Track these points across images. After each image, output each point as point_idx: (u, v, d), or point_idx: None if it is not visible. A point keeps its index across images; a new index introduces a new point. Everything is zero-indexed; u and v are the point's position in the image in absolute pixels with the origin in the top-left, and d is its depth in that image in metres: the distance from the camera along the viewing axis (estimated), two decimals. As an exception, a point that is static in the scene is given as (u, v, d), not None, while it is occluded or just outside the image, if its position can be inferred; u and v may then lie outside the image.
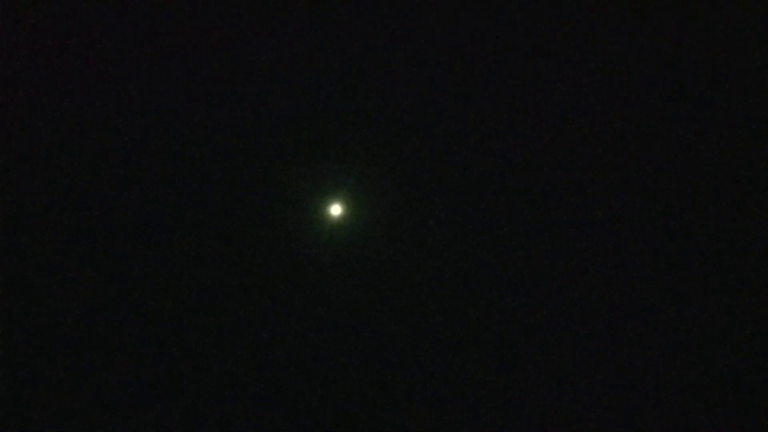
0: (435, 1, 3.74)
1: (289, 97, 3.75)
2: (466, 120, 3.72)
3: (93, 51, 3.76)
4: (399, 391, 3.58)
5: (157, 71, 3.75)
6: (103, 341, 3.59)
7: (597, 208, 3.64)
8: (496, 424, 3.53)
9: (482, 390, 3.56)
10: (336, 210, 3.70)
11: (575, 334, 3.58)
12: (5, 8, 3.72)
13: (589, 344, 3.58)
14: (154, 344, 3.60)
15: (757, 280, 3.54)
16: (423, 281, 3.63)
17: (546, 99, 3.71)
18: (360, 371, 3.60)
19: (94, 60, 3.76)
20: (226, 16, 3.75)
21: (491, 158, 3.70)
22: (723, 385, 3.51)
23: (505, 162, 3.70)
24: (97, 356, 3.57)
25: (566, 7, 3.72)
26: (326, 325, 3.63)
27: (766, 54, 3.65)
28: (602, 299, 3.60)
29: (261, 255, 3.65)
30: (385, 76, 3.75)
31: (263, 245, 3.66)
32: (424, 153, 3.72)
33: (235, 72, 3.75)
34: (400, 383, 3.59)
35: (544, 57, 3.73)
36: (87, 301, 3.60)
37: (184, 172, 3.70)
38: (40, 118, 3.72)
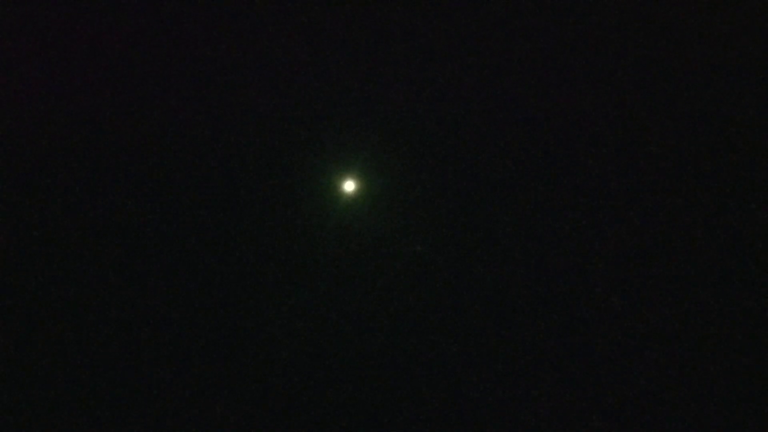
0: None
1: (303, 73, 3.76)
2: (481, 96, 3.71)
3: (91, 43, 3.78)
4: (412, 370, 3.58)
5: (168, 49, 3.78)
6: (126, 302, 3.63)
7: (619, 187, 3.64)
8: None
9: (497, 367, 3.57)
10: (350, 186, 3.71)
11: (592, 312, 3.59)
12: (5, 8, 3.73)
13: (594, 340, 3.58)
14: (169, 323, 3.62)
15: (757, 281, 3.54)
16: (437, 258, 3.62)
17: (558, 57, 3.72)
18: (373, 350, 3.60)
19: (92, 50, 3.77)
20: None
21: (507, 134, 3.69)
22: (723, 386, 3.51)
23: (522, 137, 3.68)
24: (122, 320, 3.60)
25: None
26: (340, 304, 3.63)
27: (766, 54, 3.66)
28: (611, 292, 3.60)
29: (275, 232, 3.66)
30: (399, 51, 3.75)
31: (277, 222, 3.67)
32: (439, 128, 3.71)
33: (248, 49, 3.77)
34: (413, 363, 3.59)
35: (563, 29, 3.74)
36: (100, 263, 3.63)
37: (196, 149, 3.72)
38: (40, 117, 3.73)
